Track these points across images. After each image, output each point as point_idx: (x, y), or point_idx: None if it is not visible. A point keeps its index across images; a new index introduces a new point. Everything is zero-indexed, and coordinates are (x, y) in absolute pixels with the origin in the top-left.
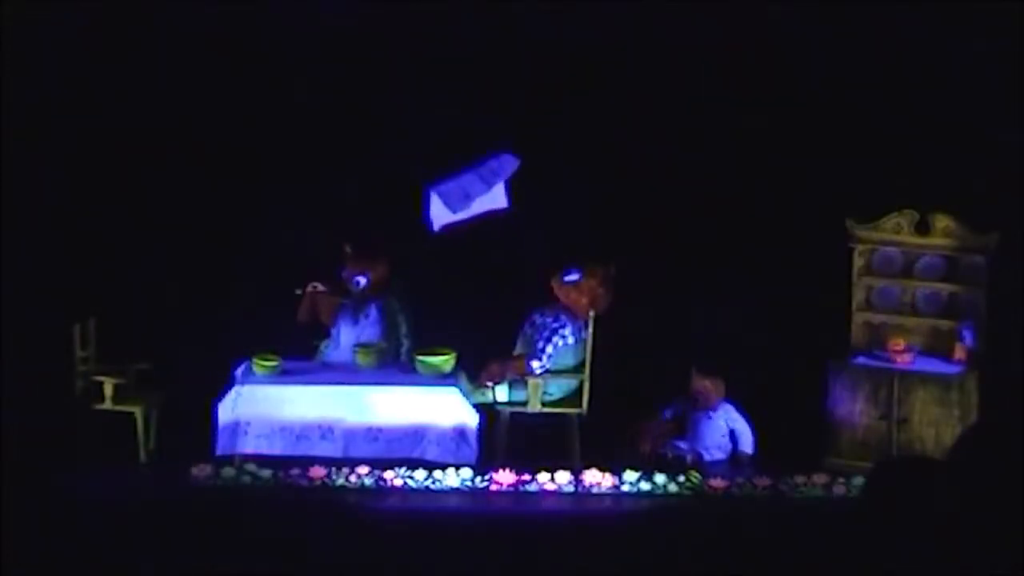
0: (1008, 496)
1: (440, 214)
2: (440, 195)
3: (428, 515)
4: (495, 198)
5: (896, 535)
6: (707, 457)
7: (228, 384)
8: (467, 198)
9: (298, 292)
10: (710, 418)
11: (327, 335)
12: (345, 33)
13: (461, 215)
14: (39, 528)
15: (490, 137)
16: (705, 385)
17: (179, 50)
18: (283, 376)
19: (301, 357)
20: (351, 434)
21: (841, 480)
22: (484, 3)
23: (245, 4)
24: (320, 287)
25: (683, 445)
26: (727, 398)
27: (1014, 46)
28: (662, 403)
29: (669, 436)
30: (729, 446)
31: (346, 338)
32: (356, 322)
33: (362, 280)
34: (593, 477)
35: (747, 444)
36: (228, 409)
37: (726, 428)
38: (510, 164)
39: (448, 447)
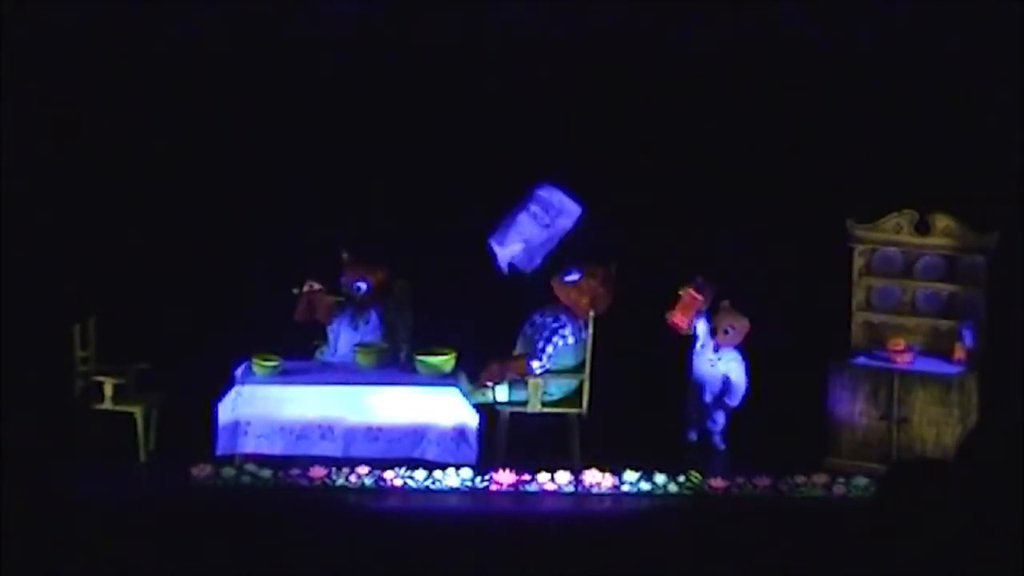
0: (1009, 496)
1: (508, 259)
2: (510, 256)
3: (428, 515)
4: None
5: (903, 537)
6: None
7: (228, 384)
8: (536, 252)
9: (295, 291)
10: (712, 365)
11: (325, 335)
12: (345, 34)
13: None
14: (39, 528)
15: (489, 137)
16: (741, 323)
17: (179, 51)
18: (283, 376)
19: (301, 357)
20: (351, 434)
21: (841, 480)
22: (483, 2)
23: (243, 5)
24: (317, 286)
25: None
26: (740, 346)
27: (1014, 46)
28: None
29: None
30: (718, 390)
31: (346, 343)
32: (356, 328)
33: (363, 286)
34: (593, 477)
35: (735, 397)
36: (228, 409)
37: (722, 376)
38: (573, 211)
39: (448, 447)
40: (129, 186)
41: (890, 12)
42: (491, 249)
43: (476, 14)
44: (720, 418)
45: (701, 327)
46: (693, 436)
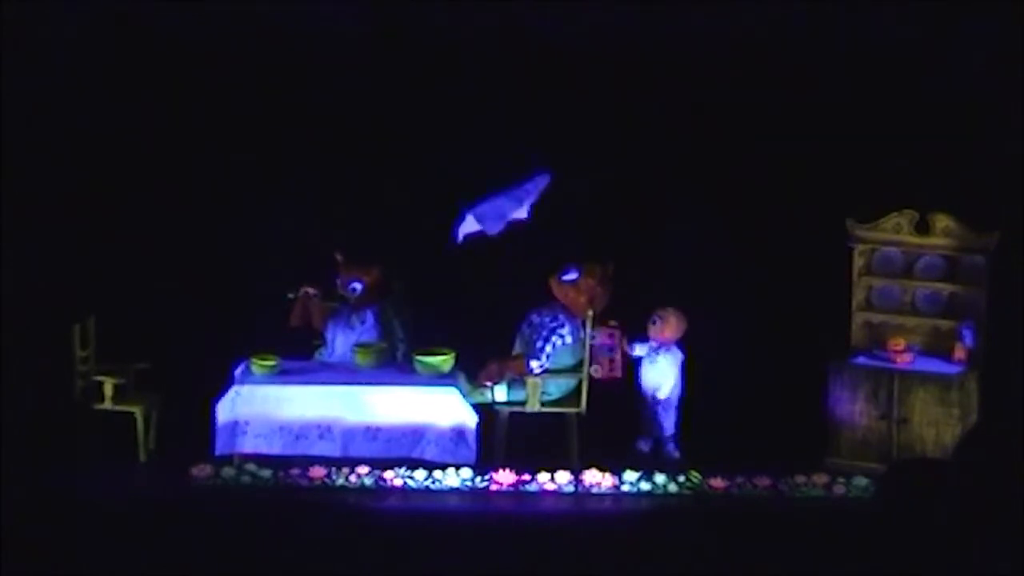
0: (1009, 496)
1: (470, 230)
2: (477, 218)
3: (428, 515)
4: (521, 212)
5: (903, 536)
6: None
7: (228, 384)
8: (502, 218)
9: (290, 296)
10: (653, 361)
11: (322, 339)
12: (343, 34)
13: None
14: (39, 528)
15: (488, 139)
16: (664, 313)
17: (179, 52)
18: (282, 376)
19: (300, 357)
20: (350, 433)
21: (841, 480)
22: (483, 2)
23: (245, 6)
24: (311, 291)
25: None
26: (681, 346)
27: (1014, 46)
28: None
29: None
30: (666, 391)
31: (343, 344)
32: (353, 328)
33: (358, 287)
34: (593, 477)
35: (669, 398)
36: (228, 409)
37: (659, 377)
38: (542, 181)
39: (447, 447)
40: (129, 186)
41: (891, 12)
42: (464, 217)
43: (475, 14)
44: (669, 424)
45: (640, 349)
46: (644, 447)
